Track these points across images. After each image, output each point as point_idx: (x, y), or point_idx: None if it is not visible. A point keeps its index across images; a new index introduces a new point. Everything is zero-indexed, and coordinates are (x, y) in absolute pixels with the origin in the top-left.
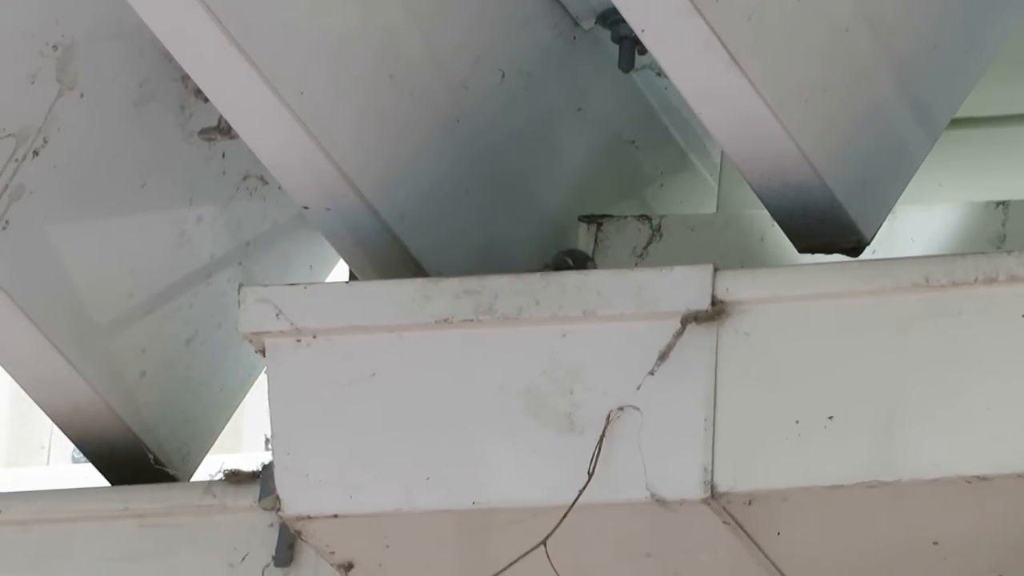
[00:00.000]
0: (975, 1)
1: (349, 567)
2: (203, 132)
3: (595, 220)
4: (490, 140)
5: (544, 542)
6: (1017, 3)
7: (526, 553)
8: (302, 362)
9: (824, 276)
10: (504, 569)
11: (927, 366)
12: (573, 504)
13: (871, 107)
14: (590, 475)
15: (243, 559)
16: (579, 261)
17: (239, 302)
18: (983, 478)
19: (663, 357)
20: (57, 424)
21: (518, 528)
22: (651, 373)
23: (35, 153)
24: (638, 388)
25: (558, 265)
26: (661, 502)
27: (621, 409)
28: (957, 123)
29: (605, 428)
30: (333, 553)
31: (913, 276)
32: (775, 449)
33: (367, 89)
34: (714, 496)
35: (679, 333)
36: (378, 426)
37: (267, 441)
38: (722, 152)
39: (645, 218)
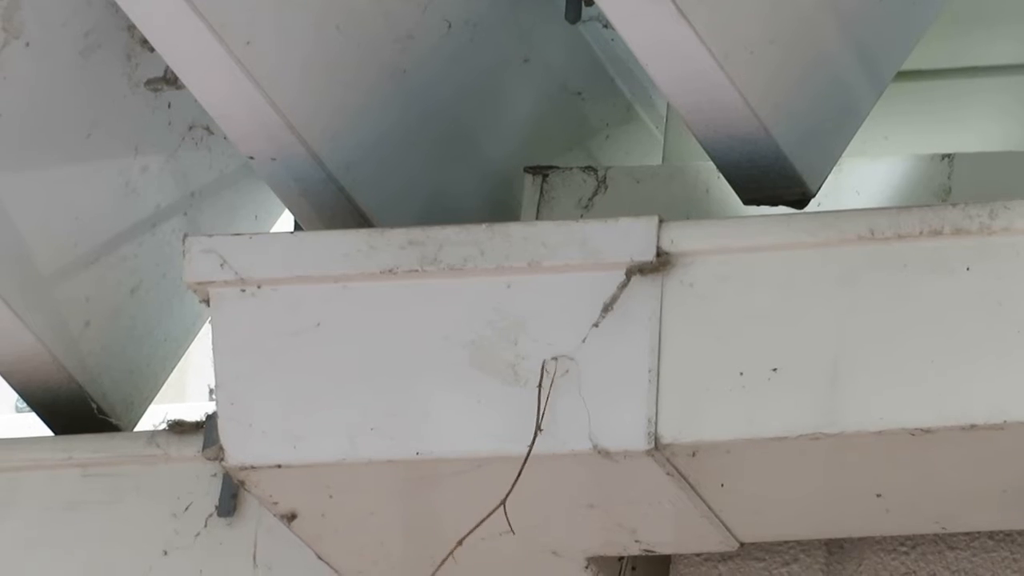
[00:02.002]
0: None
1: (292, 517)
2: (149, 82)
3: (541, 171)
4: (437, 91)
5: (504, 503)
6: None
7: (487, 517)
8: (246, 312)
9: (769, 228)
10: (467, 535)
11: (872, 318)
12: (525, 461)
13: (817, 59)
14: (539, 429)
15: (186, 509)
16: None
17: (184, 252)
18: (926, 430)
19: (607, 308)
20: (0, 373)
21: (461, 478)
22: (595, 325)
23: None
24: (582, 339)
25: None
26: (604, 453)
27: (560, 359)
28: (903, 76)
29: (541, 378)
30: (276, 503)
31: (858, 228)
32: (719, 401)
33: (314, 39)
34: (658, 447)
35: (623, 285)
36: (322, 376)
37: (211, 391)
38: (668, 104)
39: (591, 169)
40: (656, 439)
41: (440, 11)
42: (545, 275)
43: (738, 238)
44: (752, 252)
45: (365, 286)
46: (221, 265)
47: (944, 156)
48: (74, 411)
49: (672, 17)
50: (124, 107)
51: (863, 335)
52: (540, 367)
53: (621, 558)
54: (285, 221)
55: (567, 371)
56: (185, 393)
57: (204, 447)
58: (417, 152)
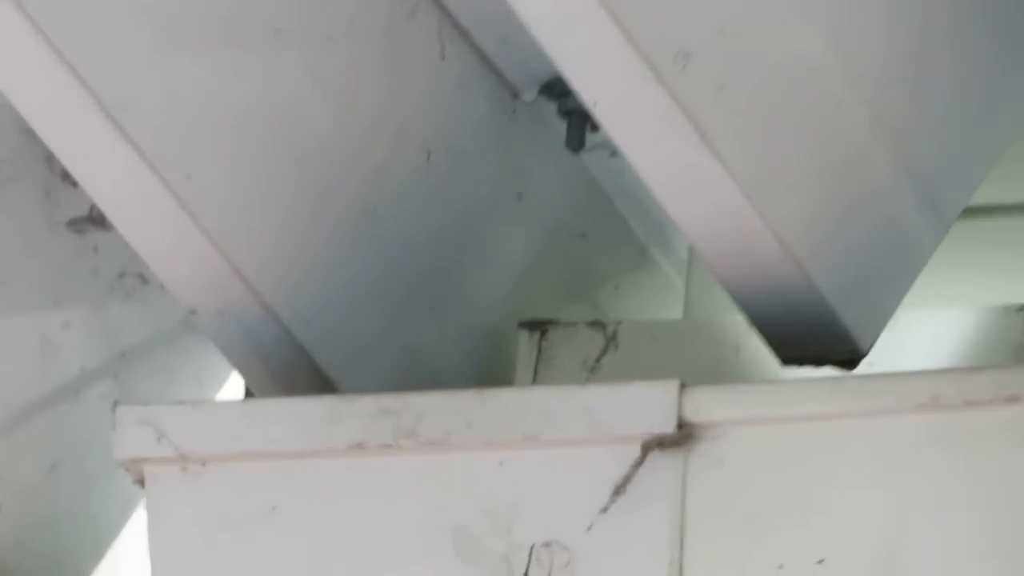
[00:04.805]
0: (994, 64)
1: None
2: (72, 222)
3: (538, 327)
4: (413, 232)
5: None
6: None
7: None
8: (188, 494)
9: (813, 394)
10: None
11: (935, 501)
12: None
13: (867, 194)
14: None
15: None
16: None
17: (114, 423)
18: None
19: (619, 491)
20: None
21: None
22: (604, 510)
23: None
24: (589, 527)
25: None
26: None
27: (561, 550)
28: (971, 212)
29: (528, 567)
30: None
31: (919, 394)
32: None
33: (268, 172)
34: None
35: (638, 463)
36: (278, 571)
37: None
38: (689, 247)
39: (598, 324)
40: None
41: (417, 139)
42: (545, 450)
43: (775, 406)
44: (792, 422)
45: (329, 464)
46: (158, 439)
47: (1021, 307)
48: None
49: (693, 143)
50: (42, 251)
51: (924, 521)
52: (539, 559)
53: None
54: (234, 386)
55: (573, 564)
56: None
57: None
58: (390, 304)
